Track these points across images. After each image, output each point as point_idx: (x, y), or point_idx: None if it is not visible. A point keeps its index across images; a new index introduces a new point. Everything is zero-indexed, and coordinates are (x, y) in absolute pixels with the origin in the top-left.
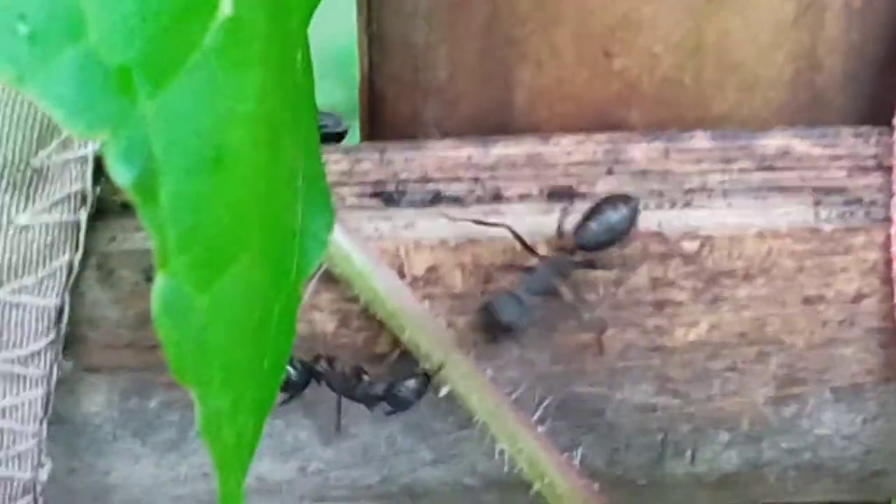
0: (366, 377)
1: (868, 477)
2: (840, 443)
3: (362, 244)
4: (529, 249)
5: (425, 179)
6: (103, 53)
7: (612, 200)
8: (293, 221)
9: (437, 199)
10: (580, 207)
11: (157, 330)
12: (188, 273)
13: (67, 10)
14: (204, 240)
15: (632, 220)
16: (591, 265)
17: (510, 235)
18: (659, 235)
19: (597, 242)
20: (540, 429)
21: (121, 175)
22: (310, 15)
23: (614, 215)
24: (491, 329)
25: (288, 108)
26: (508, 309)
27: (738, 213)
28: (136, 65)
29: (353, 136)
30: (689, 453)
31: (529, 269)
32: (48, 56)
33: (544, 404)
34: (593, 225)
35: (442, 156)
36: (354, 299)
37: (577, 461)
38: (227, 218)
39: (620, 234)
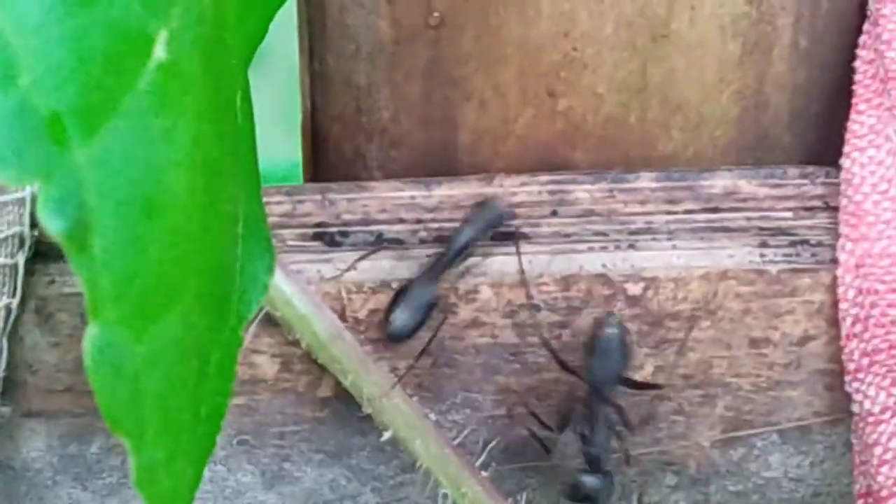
0: None
1: None
2: (788, 485)
3: (304, 287)
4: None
5: (368, 221)
6: (35, 99)
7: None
8: (232, 266)
9: (379, 240)
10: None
11: (89, 379)
12: (122, 322)
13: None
14: (138, 287)
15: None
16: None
17: (452, 277)
18: (603, 277)
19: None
20: (484, 473)
21: (52, 224)
22: (249, 57)
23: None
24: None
25: (226, 151)
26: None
27: (683, 255)
28: (68, 110)
29: (297, 177)
30: (635, 496)
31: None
32: None
33: (489, 448)
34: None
35: (385, 197)
36: (296, 343)
37: None
38: (162, 265)
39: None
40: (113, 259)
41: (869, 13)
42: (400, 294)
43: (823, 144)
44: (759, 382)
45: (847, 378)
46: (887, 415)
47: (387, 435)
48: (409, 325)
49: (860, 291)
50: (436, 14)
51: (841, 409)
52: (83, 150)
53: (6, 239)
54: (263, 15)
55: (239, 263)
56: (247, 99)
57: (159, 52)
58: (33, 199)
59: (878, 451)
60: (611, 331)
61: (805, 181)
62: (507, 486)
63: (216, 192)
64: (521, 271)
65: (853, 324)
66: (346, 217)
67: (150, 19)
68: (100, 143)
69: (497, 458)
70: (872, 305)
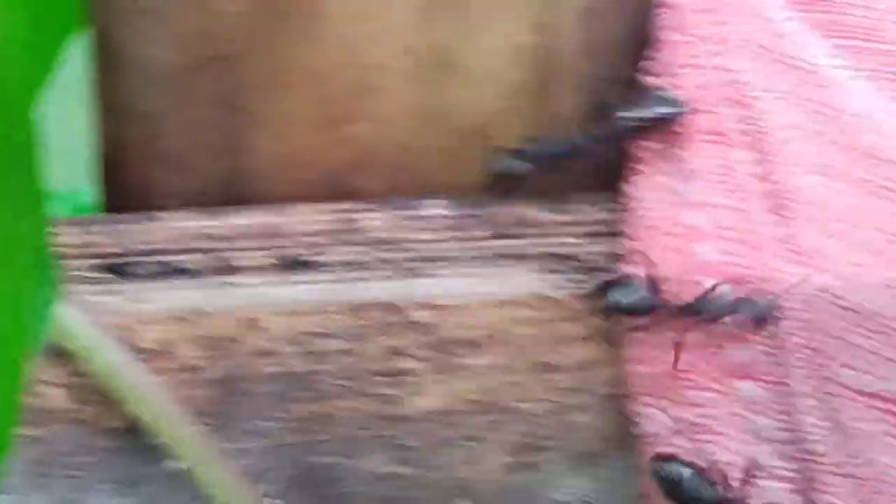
0: None
1: None
2: None
3: (92, 318)
4: None
5: (158, 251)
6: None
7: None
8: (16, 297)
9: (168, 271)
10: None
11: None
12: None
13: None
14: None
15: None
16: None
17: (242, 306)
18: (392, 305)
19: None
20: (278, 501)
21: None
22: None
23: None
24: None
25: (11, 182)
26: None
27: (470, 282)
28: None
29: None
30: None
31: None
32: None
33: (280, 476)
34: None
35: (175, 227)
36: (86, 374)
37: None
38: None
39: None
40: None
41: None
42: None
43: (611, 171)
44: (546, 407)
45: (631, 402)
46: (670, 437)
47: (176, 464)
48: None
49: None
50: (224, 43)
51: (627, 434)
52: None
53: None
54: (53, 46)
55: (23, 295)
56: (34, 129)
57: None
58: None
59: None
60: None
61: (591, 207)
62: None
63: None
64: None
65: (636, 347)
66: (136, 247)
67: None
68: None
69: (289, 486)
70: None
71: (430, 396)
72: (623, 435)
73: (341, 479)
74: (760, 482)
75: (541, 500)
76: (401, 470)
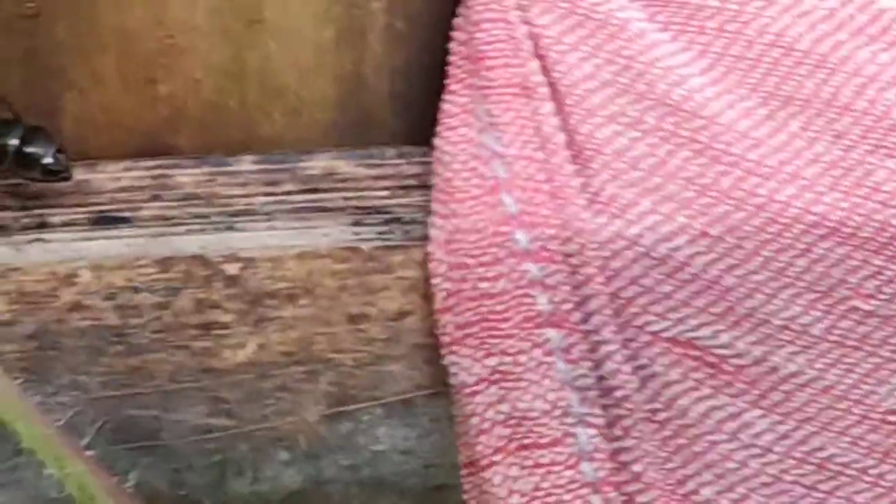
0: None
1: (431, 491)
2: (398, 458)
3: None
4: None
5: None
6: None
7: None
8: None
9: None
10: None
11: None
12: None
13: None
14: None
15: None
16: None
17: (53, 261)
18: (201, 258)
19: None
20: (92, 452)
21: None
22: None
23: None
24: None
25: None
26: None
27: (280, 235)
28: None
29: None
30: (250, 473)
31: None
32: None
33: (96, 428)
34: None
35: None
36: None
37: (132, 483)
38: None
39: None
40: None
41: None
42: None
43: (423, 125)
44: (360, 358)
45: (444, 351)
46: (482, 386)
47: None
48: None
49: (451, 266)
50: (30, 4)
51: (441, 382)
52: None
53: None
54: None
55: None
56: None
57: None
58: None
59: (475, 421)
60: None
61: (402, 161)
62: (122, 465)
63: None
64: None
65: (446, 298)
66: None
67: None
68: None
69: (108, 439)
70: (463, 280)
71: (242, 349)
72: (436, 385)
73: (159, 431)
74: (571, 429)
75: (359, 449)
76: (218, 422)
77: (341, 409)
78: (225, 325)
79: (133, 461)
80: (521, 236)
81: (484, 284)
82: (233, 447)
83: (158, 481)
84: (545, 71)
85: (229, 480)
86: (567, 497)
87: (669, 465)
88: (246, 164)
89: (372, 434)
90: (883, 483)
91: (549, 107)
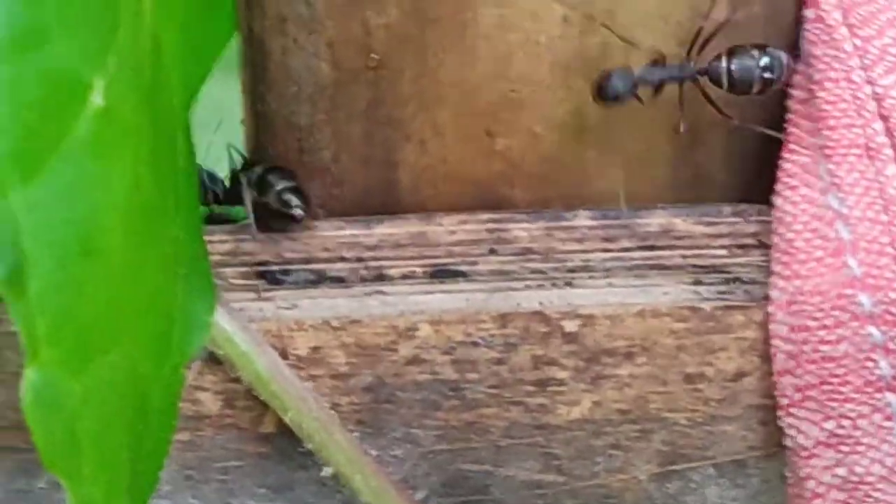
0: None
1: None
2: None
3: (245, 325)
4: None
5: (309, 260)
6: None
7: (752, 48)
8: (172, 305)
9: (320, 279)
10: (467, 286)
11: (26, 419)
12: (59, 364)
13: None
14: (75, 330)
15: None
16: (706, 96)
17: (393, 314)
18: (540, 314)
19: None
20: None
21: None
22: (190, 99)
23: (750, 62)
24: (600, 95)
25: (167, 193)
26: (620, 80)
27: (619, 292)
28: (4, 158)
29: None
30: None
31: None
32: None
33: (429, 482)
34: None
35: (326, 236)
36: (239, 380)
37: None
38: (99, 307)
39: (751, 83)
40: (49, 302)
41: (801, 54)
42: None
43: (757, 182)
44: (694, 417)
45: (780, 413)
46: (819, 449)
47: (328, 470)
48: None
49: (792, 328)
50: (375, 56)
51: (775, 443)
52: (20, 194)
53: None
54: (204, 58)
55: (180, 302)
56: (187, 140)
57: (96, 98)
58: None
59: (810, 484)
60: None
61: (738, 219)
62: None
63: (155, 233)
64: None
65: (786, 360)
66: (288, 255)
67: (86, 66)
68: (36, 190)
69: (438, 493)
70: (804, 342)
71: (577, 406)
72: (770, 446)
73: (489, 487)
74: None
75: None
76: (548, 478)
77: (672, 467)
78: (561, 382)
79: None
80: (865, 299)
81: (825, 347)
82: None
83: None
84: (889, 133)
85: None
86: None
87: None
88: (582, 219)
89: (701, 494)
90: None
91: (892, 169)
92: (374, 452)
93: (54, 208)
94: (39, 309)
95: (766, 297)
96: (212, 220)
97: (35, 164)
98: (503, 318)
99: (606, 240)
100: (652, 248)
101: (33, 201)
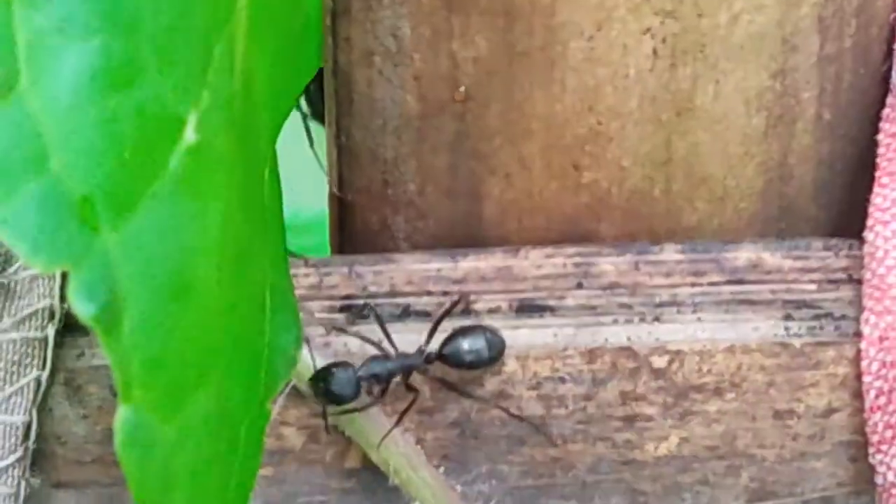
0: None
1: None
2: None
3: (330, 359)
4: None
5: (394, 293)
6: (66, 182)
7: (480, 330)
8: (260, 340)
9: (406, 313)
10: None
11: (120, 460)
12: (152, 404)
13: (30, 140)
14: (168, 369)
15: (493, 351)
16: (442, 381)
17: None
18: (629, 350)
19: (458, 360)
20: None
21: (82, 308)
22: (276, 133)
23: (480, 342)
24: (321, 396)
25: (255, 228)
26: (341, 382)
27: (708, 328)
28: (98, 194)
29: (324, 250)
30: None
31: (379, 356)
32: (9, 189)
33: None
34: (462, 343)
35: (411, 269)
36: (323, 414)
37: None
38: (192, 345)
39: (482, 363)
40: (142, 341)
41: (892, 86)
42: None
43: (847, 217)
44: (783, 454)
45: (871, 450)
46: None
47: None
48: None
49: (884, 364)
50: (461, 89)
51: (865, 481)
52: (113, 233)
53: (36, 312)
54: (290, 92)
55: (267, 337)
56: (274, 174)
57: (189, 133)
58: (63, 273)
59: None
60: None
61: (829, 253)
62: None
63: (244, 269)
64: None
65: (877, 396)
66: (373, 289)
67: (180, 101)
68: (130, 227)
69: None
70: None
71: (665, 441)
72: (860, 483)
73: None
74: None
75: None
76: None
77: None
78: (649, 418)
79: None
80: None
81: None
82: None
83: None
84: None
85: None
86: None
87: None
88: (669, 252)
89: None
90: None
91: None
92: (458, 488)
93: (148, 246)
94: (133, 348)
95: (858, 333)
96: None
97: (129, 200)
98: (591, 354)
99: (694, 274)
100: (741, 282)
101: (126, 240)
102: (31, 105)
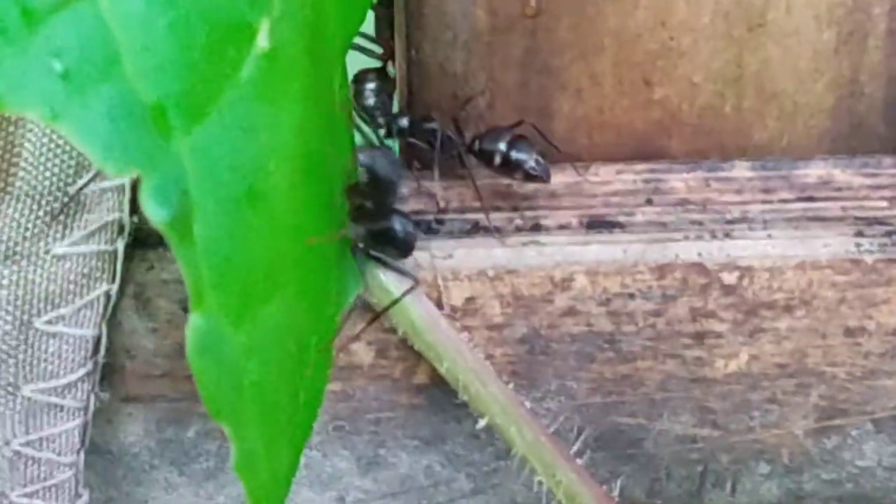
0: None
1: None
2: (882, 474)
3: (400, 275)
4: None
5: (464, 209)
6: (138, 90)
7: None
8: (331, 254)
9: (475, 229)
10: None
11: (191, 368)
12: (223, 310)
13: (102, 45)
14: (239, 276)
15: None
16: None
17: (548, 265)
18: (699, 266)
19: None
20: (579, 460)
21: (154, 213)
22: (347, 44)
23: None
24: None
25: (326, 138)
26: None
27: (778, 244)
28: (171, 100)
29: None
30: (728, 484)
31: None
32: (82, 93)
33: (583, 436)
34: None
35: (481, 185)
36: (392, 330)
37: (616, 493)
38: (262, 253)
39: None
40: (214, 247)
41: None
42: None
43: None
44: (853, 371)
45: None
46: None
47: (482, 422)
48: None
49: None
50: (532, 3)
51: None
52: (186, 139)
53: (106, 225)
54: (360, 4)
55: (338, 250)
56: (344, 85)
57: (262, 41)
58: (133, 186)
59: None
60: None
61: None
62: (601, 473)
63: (316, 179)
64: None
65: None
66: (443, 205)
67: (251, 9)
68: (202, 133)
69: (591, 446)
70: None
71: (734, 359)
72: None
73: (642, 440)
74: None
75: (844, 464)
76: (702, 432)
77: (830, 423)
78: (719, 335)
79: (614, 470)
80: None
81: None
82: (714, 458)
83: (636, 490)
84: None
85: (707, 491)
86: None
87: None
88: (740, 169)
89: (858, 449)
90: None
91: None
92: (527, 405)
93: (220, 152)
94: (204, 254)
95: None
96: None
97: (201, 107)
98: (661, 270)
99: (765, 191)
100: (811, 199)
101: (199, 145)
102: (104, 7)
